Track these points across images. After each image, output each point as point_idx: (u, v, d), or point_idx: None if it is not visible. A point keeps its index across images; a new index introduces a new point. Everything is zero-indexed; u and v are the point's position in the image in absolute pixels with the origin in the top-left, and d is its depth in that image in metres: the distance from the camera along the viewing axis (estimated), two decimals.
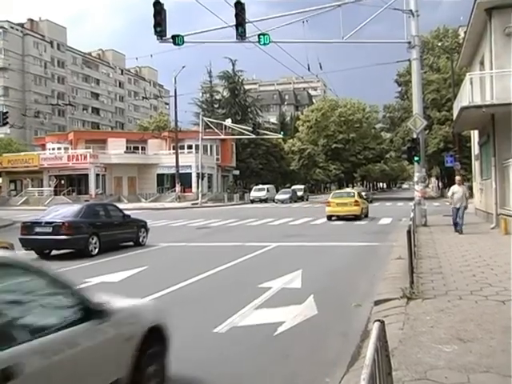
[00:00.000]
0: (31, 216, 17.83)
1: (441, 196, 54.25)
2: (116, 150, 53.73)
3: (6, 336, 2.82)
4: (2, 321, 2.89)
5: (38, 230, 13.38)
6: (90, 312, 3.51)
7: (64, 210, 14.44)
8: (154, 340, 4.19)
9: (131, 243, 15.54)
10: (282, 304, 7.47)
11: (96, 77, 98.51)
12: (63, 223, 13.24)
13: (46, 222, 13.51)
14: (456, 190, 15.82)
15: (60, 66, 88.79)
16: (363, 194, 34.39)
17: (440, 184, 69.65)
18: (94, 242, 13.60)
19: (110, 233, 14.47)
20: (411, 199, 25.02)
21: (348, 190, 36.56)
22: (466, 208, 15.90)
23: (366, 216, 26.11)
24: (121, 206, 20.71)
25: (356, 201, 25.03)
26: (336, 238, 16.97)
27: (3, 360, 2.64)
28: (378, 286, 8.29)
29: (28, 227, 13.66)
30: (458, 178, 17.21)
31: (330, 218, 24.85)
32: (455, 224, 15.67)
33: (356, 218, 24.39)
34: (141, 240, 15.77)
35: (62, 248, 13.66)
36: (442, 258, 10.45)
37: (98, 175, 51.65)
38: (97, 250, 13.66)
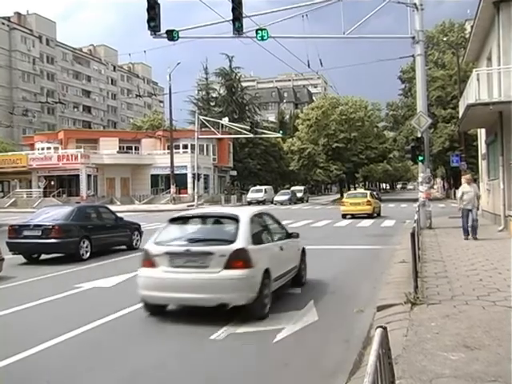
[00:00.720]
0: (19, 218, 17.53)
1: (446, 197, 54.06)
2: (108, 150, 53.02)
3: (278, 237, 8.54)
4: (277, 233, 8.69)
5: (26, 233, 12.99)
6: (290, 235, 8.98)
7: (54, 213, 14.01)
8: (303, 253, 9.49)
9: (124, 247, 15.24)
10: (282, 310, 7.40)
11: (87, 73, 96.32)
12: (53, 226, 12.86)
13: (35, 225, 13.12)
14: (467, 190, 14.26)
15: (49, 62, 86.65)
16: (375, 193, 37.11)
17: (445, 184, 69.22)
18: (85, 245, 13.27)
19: (101, 236, 14.14)
20: (415, 200, 24.87)
21: (361, 190, 39.24)
22: (477, 209, 14.67)
23: (379, 214, 28.41)
24: (113, 208, 20.40)
25: (368, 201, 27.44)
26: (338, 240, 16.84)
27: (281, 244, 8.34)
28: (380, 290, 8.19)
29: (16, 230, 13.24)
30: (467, 176, 15.40)
31: (344, 216, 27.43)
32: (465, 229, 14.13)
33: (369, 216, 26.76)
34: (134, 243, 15.44)
35: (51, 252, 13.31)
36: (447, 261, 10.28)
37: (89, 176, 50.70)
38: (88, 254, 13.34)
